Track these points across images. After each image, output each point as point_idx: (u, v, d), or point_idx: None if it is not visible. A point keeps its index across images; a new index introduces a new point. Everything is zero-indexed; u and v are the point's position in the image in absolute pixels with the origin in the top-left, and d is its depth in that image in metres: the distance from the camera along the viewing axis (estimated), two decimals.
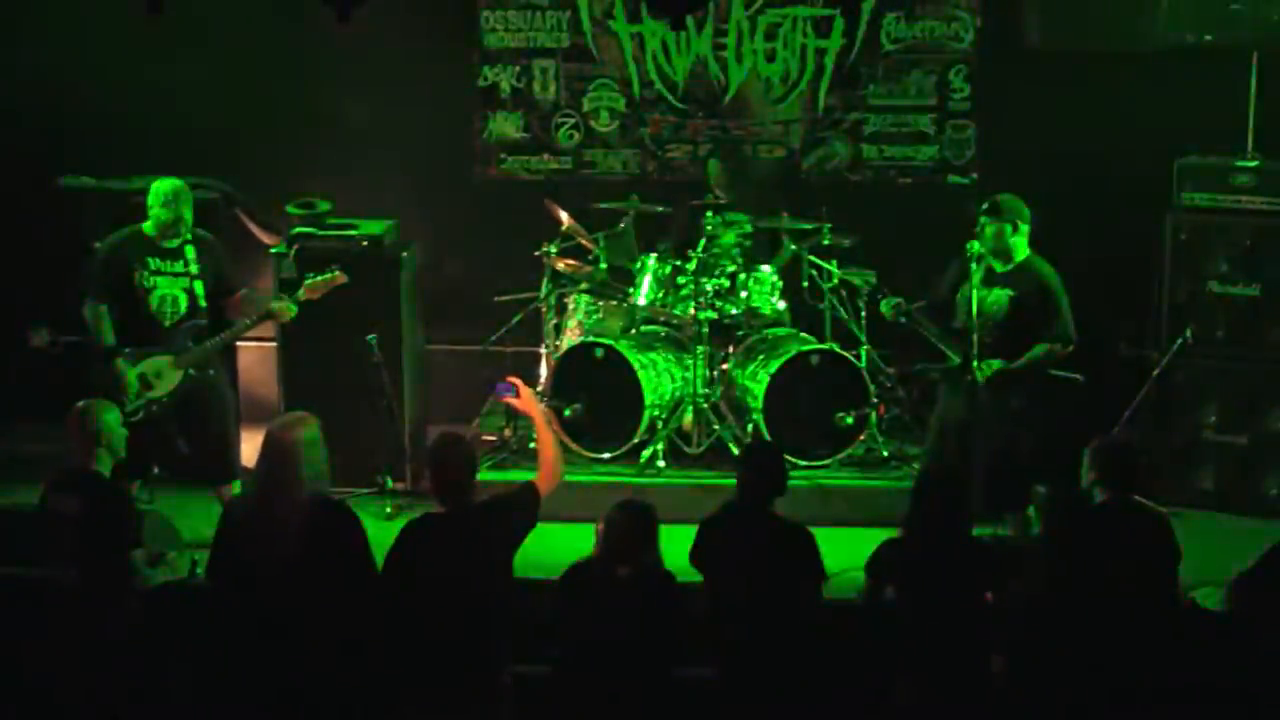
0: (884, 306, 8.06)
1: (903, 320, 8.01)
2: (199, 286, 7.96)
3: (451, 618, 5.91)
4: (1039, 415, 7.73)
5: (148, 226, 7.92)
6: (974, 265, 7.63)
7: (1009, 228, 7.70)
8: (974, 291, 7.56)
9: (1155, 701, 5.90)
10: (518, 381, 6.41)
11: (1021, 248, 7.74)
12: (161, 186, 7.92)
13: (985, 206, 7.73)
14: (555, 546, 7.57)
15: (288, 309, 8.06)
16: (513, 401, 6.48)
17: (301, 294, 8.11)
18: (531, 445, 8.87)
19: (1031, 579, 6.43)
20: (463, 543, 5.97)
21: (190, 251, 7.95)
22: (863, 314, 9.02)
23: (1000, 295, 7.69)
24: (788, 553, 6.39)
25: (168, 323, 7.90)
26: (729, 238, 9.03)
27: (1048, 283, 7.71)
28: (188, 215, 7.92)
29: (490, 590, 6.00)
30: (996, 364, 7.58)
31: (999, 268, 7.71)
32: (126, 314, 7.87)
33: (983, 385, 7.56)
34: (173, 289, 7.92)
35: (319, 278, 8.15)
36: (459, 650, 5.92)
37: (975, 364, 7.53)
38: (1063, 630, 6.15)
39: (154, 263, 7.90)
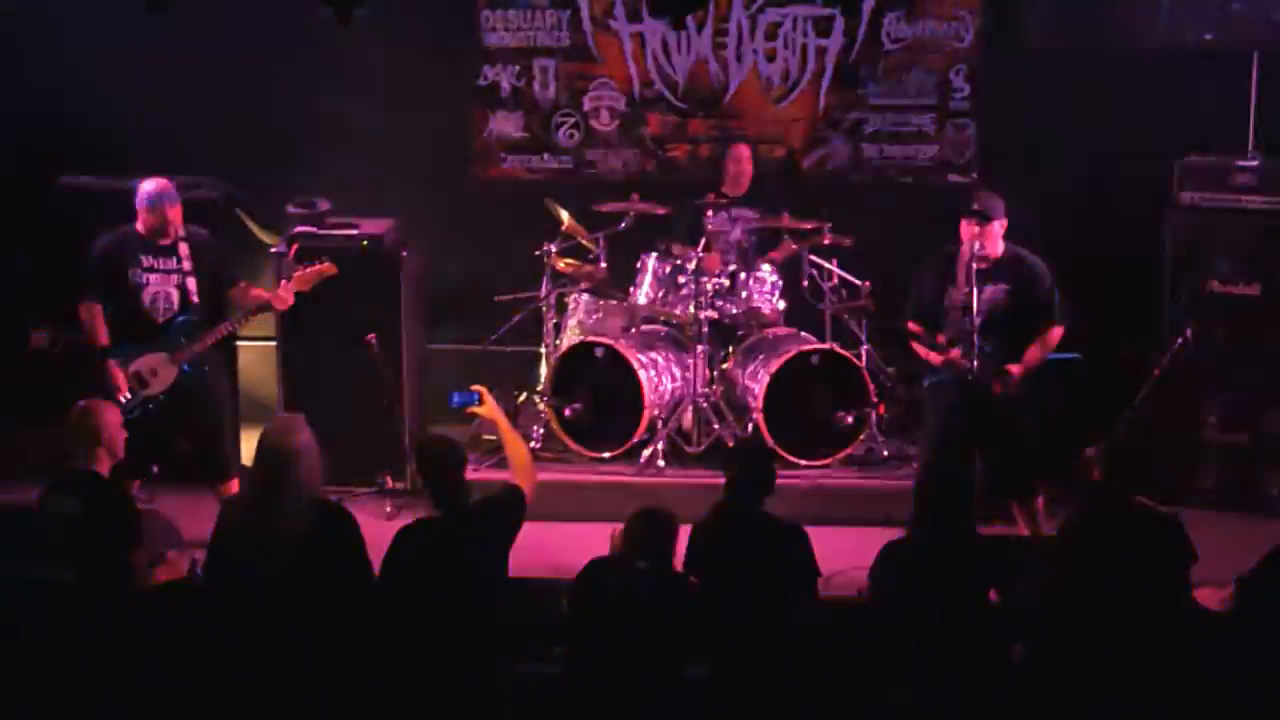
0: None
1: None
2: (192, 283, 7.96)
3: (450, 620, 5.92)
4: (1041, 398, 7.78)
5: (139, 224, 7.93)
6: (972, 268, 7.65)
7: (997, 225, 7.73)
8: (973, 292, 7.57)
9: (1159, 702, 5.89)
10: (482, 389, 6.43)
11: (1001, 241, 7.77)
12: (145, 188, 7.92)
13: (975, 210, 7.73)
14: (555, 546, 7.59)
15: (283, 298, 8.06)
16: (477, 410, 6.49)
17: (291, 285, 8.12)
18: (532, 444, 8.88)
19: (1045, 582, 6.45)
20: (459, 545, 5.98)
21: (184, 248, 7.95)
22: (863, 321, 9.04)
23: (995, 291, 7.70)
24: (781, 552, 6.39)
25: (160, 319, 7.90)
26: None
27: (1038, 270, 7.76)
28: (174, 216, 7.91)
29: (489, 591, 6.01)
30: (1009, 370, 7.65)
31: (984, 265, 7.72)
32: (120, 311, 7.88)
33: (990, 383, 7.61)
34: (165, 285, 7.92)
35: (308, 268, 8.16)
36: (458, 652, 5.92)
37: (995, 371, 7.57)
38: (1075, 631, 6.13)
39: (146, 259, 7.90)
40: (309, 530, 5.95)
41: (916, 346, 7.94)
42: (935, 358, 7.80)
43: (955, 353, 7.71)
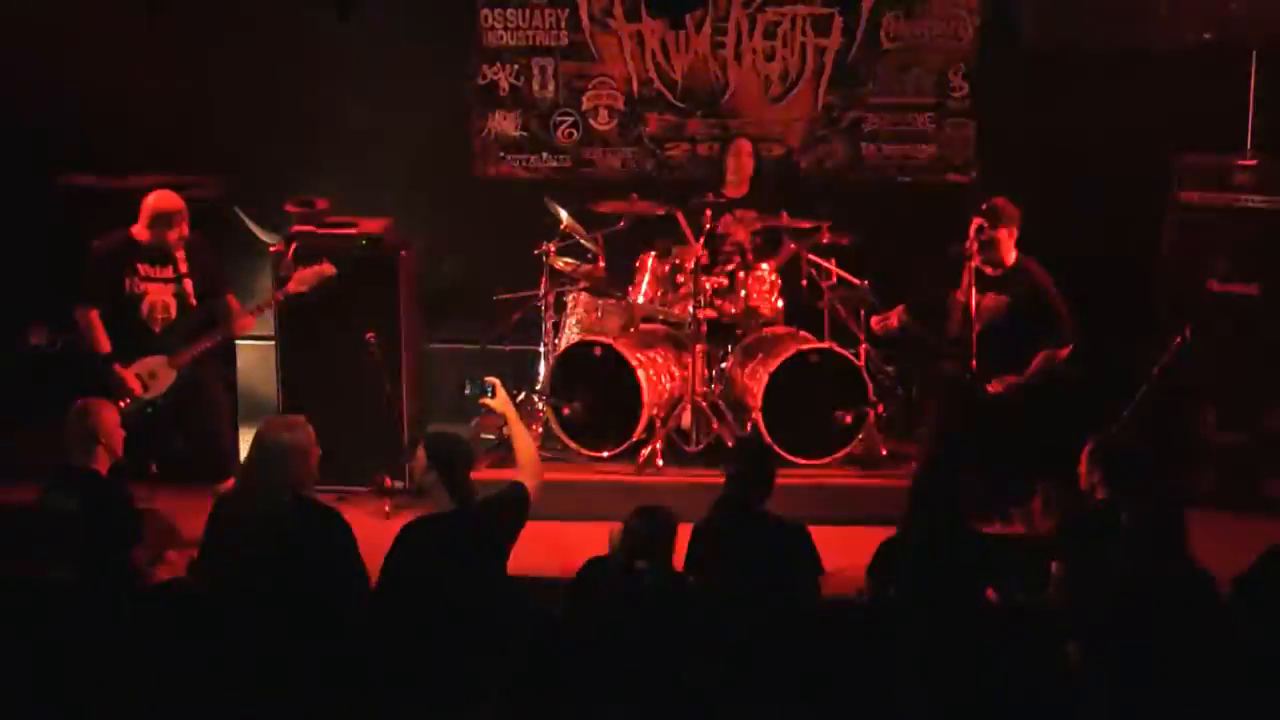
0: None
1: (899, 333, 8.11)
2: (189, 284, 7.98)
3: (453, 617, 5.92)
4: (1040, 407, 7.78)
5: (139, 231, 7.92)
6: (973, 269, 7.63)
7: (1005, 232, 7.71)
8: (972, 295, 7.58)
9: (1157, 700, 5.89)
10: (496, 381, 6.41)
11: (1011, 251, 7.76)
12: (153, 205, 7.89)
13: (985, 210, 7.72)
14: (555, 545, 7.59)
15: (245, 325, 8.12)
16: (488, 402, 6.48)
17: (289, 286, 8.12)
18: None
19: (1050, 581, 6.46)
20: (465, 543, 5.98)
21: (180, 252, 7.95)
22: (861, 312, 9.03)
23: (997, 301, 7.70)
24: (784, 550, 6.39)
25: (158, 329, 7.91)
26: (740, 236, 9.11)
27: (1046, 287, 7.73)
28: (174, 238, 7.91)
29: (491, 589, 6.02)
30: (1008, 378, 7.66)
31: (991, 271, 7.71)
32: (117, 318, 7.90)
33: (987, 384, 7.61)
34: (163, 295, 7.93)
35: (306, 269, 8.14)
36: (459, 649, 5.93)
37: (979, 373, 7.56)
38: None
39: (143, 268, 7.91)
40: (295, 530, 5.96)
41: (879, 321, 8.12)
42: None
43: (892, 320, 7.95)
